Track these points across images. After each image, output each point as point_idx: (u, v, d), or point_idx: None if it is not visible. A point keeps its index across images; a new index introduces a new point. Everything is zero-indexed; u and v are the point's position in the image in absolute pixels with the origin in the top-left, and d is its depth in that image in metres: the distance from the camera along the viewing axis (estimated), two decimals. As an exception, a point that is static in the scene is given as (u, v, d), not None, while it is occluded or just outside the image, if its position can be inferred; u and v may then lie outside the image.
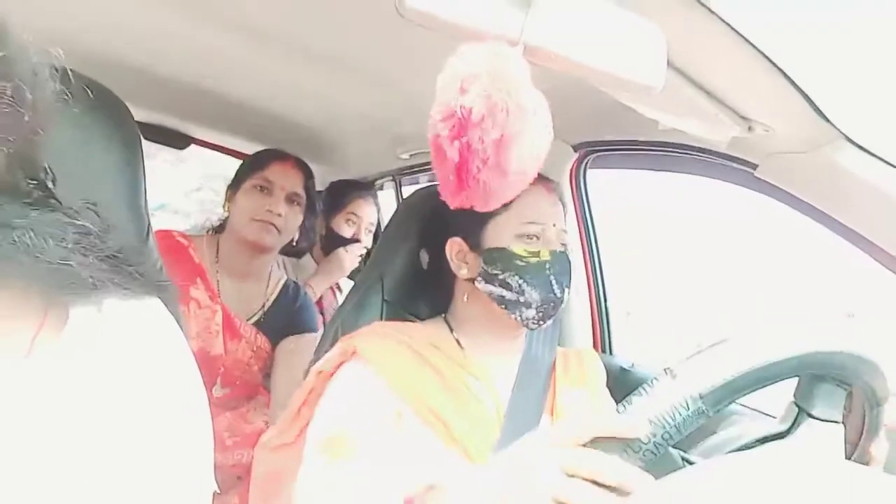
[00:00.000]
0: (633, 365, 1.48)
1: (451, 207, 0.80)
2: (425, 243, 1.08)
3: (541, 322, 0.94)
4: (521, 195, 0.90)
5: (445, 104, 0.63)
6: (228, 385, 1.51)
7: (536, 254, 0.92)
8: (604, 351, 1.58)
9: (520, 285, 0.91)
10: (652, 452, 0.52)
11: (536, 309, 0.92)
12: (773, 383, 0.54)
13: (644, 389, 0.54)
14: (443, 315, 1.03)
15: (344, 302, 1.24)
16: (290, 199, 1.54)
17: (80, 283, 0.46)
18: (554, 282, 0.92)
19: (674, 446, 0.56)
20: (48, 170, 0.48)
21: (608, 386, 1.08)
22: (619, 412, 0.54)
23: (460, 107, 0.61)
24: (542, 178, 0.96)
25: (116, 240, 0.51)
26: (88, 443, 0.45)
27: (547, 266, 0.92)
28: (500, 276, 0.92)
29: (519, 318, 0.93)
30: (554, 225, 0.95)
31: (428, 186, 1.25)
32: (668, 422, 0.51)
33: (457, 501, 0.65)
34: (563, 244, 0.96)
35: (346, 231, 2.03)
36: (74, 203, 0.48)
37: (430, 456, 0.87)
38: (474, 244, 0.96)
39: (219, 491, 0.57)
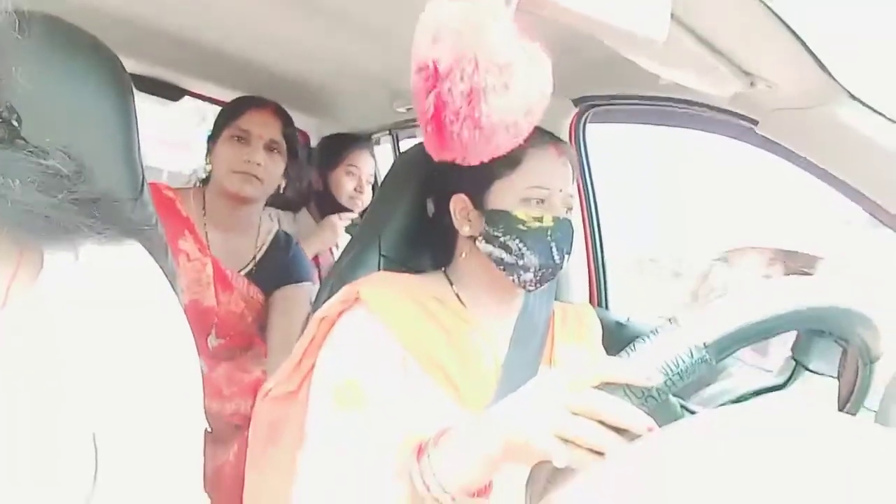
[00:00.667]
0: (628, 319, 1.49)
1: (435, 160, 0.80)
2: (430, 195, 1.08)
3: (538, 285, 0.94)
4: (529, 157, 0.91)
5: (419, 56, 0.63)
6: (223, 335, 1.52)
7: (539, 219, 0.91)
8: (600, 305, 1.59)
9: (520, 249, 0.91)
10: (654, 398, 0.52)
11: (534, 273, 0.92)
12: (773, 335, 0.55)
13: (648, 337, 0.54)
14: (443, 269, 1.03)
15: (340, 256, 1.24)
16: (269, 147, 1.52)
17: (51, 226, 0.45)
18: (554, 248, 0.92)
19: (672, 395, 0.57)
20: (12, 108, 0.47)
21: (604, 340, 1.09)
22: (624, 358, 0.54)
23: (431, 59, 0.61)
24: (552, 139, 0.96)
25: (100, 186, 0.51)
26: (69, 392, 0.45)
27: (549, 232, 0.92)
28: (501, 238, 0.92)
29: (517, 281, 0.94)
30: (560, 190, 0.94)
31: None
32: (671, 369, 0.52)
33: (464, 440, 0.66)
34: (568, 209, 0.95)
35: (348, 183, 2.01)
36: (44, 145, 0.47)
37: (432, 404, 0.88)
38: (479, 203, 0.96)
39: (210, 430, 0.58)
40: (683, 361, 0.52)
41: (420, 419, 0.86)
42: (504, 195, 0.93)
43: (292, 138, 1.58)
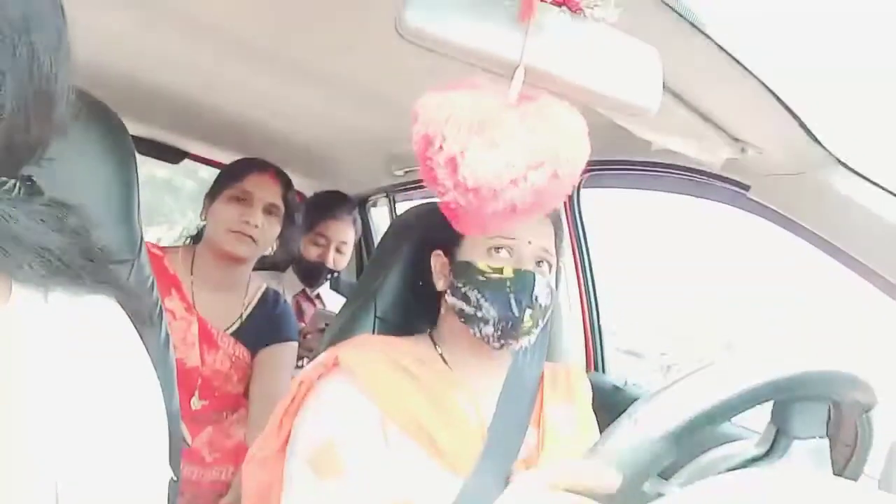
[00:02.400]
0: (625, 383, 1.48)
1: (465, 233, 0.81)
2: (421, 257, 1.09)
3: (501, 341, 0.92)
4: None
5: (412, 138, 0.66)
6: (206, 397, 1.49)
7: (499, 270, 0.91)
8: (596, 369, 1.58)
9: (478, 300, 0.91)
10: (622, 495, 0.51)
11: (494, 326, 0.90)
12: (751, 407, 0.53)
13: (608, 432, 0.53)
14: (428, 331, 1.03)
15: (336, 318, 1.24)
16: (268, 210, 1.53)
17: (57, 269, 0.47)
18: (513, 300, 0.90)
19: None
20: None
21: (600, 404, 1.08)
22: (586, 456, 0.52)
23: (414, 133, 0.64)
24: None
25: (102, 246, 0.52)
26: (33, 435, 0.45)
27: (508, 284, 0.90)
28: (462, 290, 0.92)
29: (478, 334, 0.92)
30: (530, 242, 0.93)
31: (422, 204, 1.26)
32: (630, 465, 0.50)
33: None
34: (539, 262, 0.94)
35: (311, 253, 1.99)
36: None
37: (414, 469, 0.86)
38: (451, 257, 0.97)
39: (175, 479, 0.57)
40: (641, 457, 0.50)
41: (403, 485, 0.85)
42: (472, 247, 0.94)
43: (291, 203, 1.59)
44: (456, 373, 0.97)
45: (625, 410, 0.55)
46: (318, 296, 2.12)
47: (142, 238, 0.80)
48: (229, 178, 1.55)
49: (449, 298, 0.96)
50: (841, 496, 0.47)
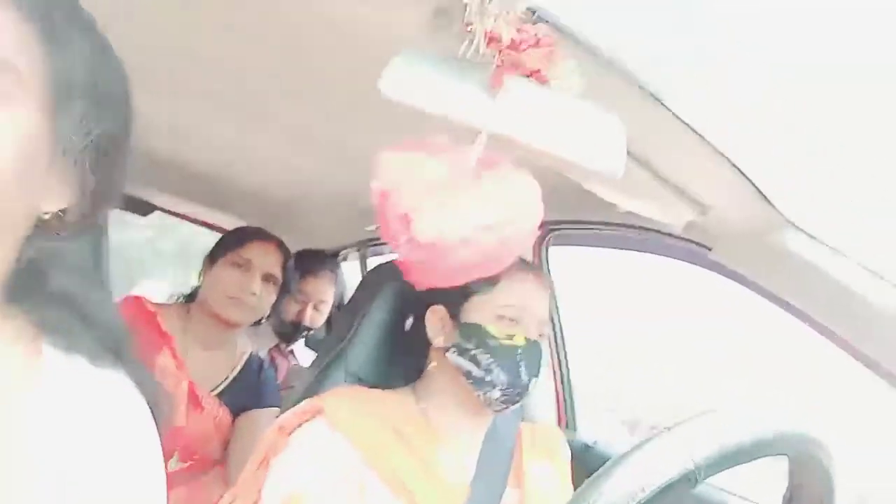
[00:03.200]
0: (595, 442, 1.48)
1: (416, 285, 0.82)
2: (402, 308, 1.09)
3: (504, 405, 0.94)
4: (508, 277, 0.93)
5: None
6: (186, 459, 1.45)
7: (511, 337, 0.93)
8: (567, 427, 1.58)
9: (489, 364, 0.92)
10: None
11: (502, 391, 0.92)
12: (747, 462, 0.54)
13: (577, 494, 0.53)
14: (411, 385, 1.03)
15: (307, 374, 1.23)
16: (267, 278, 1.54)
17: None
18: (523, 368, 0.92)
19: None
20: None
21: (571, 463, 1.08)
22: None
23: (373, 189, 0.68)
24: (533, 269, 1.00)
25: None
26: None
27: (519, 351, 0.93)
28: (472, 351, 0.93)
29: (482, 398, 0.93)
30: (535, 314, 0.96)
31: (394, 258, 1.27)
32: None
33: None
34: (540, 335, 0.97)
35: (290, 311, 1.99)
36: None
37: None
38: (454, 315, 0.97)
39: None
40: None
41: None
42: (480, 310, 0.95)
43: (288, 272, 1.61)
44: (438, 429, 0.97)
45: (595, 470, 0.55)
46: (290, 350, 2.10)
47: (111, 295, 0.80)
48: (231, 243, 1.56)
49: (453, 357, 0.96)
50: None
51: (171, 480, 1.42)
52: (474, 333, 0.94)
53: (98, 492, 0.47)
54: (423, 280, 0.81)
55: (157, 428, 0.54)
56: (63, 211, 0.48)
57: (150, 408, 0.54)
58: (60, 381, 0.48)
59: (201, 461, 1.48)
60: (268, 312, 1.59)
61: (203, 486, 1.48)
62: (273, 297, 1.57)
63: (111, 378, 0.51)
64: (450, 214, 0.66)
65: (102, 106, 0.48)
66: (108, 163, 0.49)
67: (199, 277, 1.59)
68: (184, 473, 1.46)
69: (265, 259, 1.54)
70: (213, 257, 1.56)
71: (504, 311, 0.94)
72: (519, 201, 0.69)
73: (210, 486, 1.48)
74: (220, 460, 1.53)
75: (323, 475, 0.86)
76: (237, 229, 1.65)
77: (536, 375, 0.94)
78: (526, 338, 0.94)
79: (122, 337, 0.53)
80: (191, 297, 1.61)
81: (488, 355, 0.92)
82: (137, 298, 1.51)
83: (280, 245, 1.60)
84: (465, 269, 0.73)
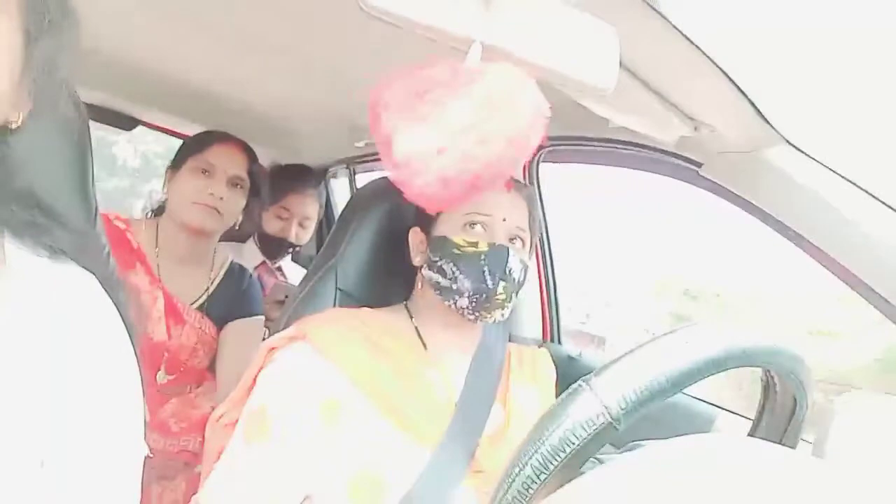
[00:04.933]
0: (580, 354, 1.52)
1: (414, 203, 0.82)
2: (392, 226, 1.09)
3: (475, 312, 0.94)
4: None
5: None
6: (173, 372, 1.48)
7: (475, 244, 0.93)
8: (552, 340, 1.62)
9: (453, 272, 0.93)
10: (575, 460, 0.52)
11: (469, 298, 0.93)
12: (694, 383, 0.55)
13: (563, 398, 0.54)
14: (404, 303, 1.04)
15: (297, 290, 1.24)
16: (233, 182, 1.50)
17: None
18: (487, 272, 0.92)
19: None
20: None
21: (556, 374, 1.11)
22: (541, 420, 0.53)
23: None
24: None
25: (58, 218, 0.53)
26: (16, 396, 0.45)
27: (482, 257, 0.92)
28: (439, 263, 0.94)
29: (453, 306, 0.94)
30: (504, 219, 0.95)
31: (384, 177, 1.26)
32: (584, 431, 0.51)
33: None
34: (513, 238, 0.96)
35: (273, 226, 1.98)
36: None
37: (380, 440, 0.88)
38: (427, 233, 0.98)
39: (150, 455, 0.57)
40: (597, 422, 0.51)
41: (369, 455, 0.87)
42: (448, 223, 0.96)
43: (256, 176, 1.57)
44: (428, 346, 0.98)
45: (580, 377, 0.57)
46: (279, 268, 2.11)
47: (96, 206, 0.79)
48: (193, 149, 1.52)
49: (425, 272, 0.97)
50: (777, 462, 0.50)
51: (161, 393, 1.48)
52: (441, 245, 0.95)
53: (63, 377, 0.48)
54: (420, 201, 0.80)
55: (128, 328, 0.55)
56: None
57: (118, 307, 0.54)
58: (20, 274, 0.48)
59: (188, 373, 1.50)
60: (239, 218, 1.56)
61: (194, 399, 1.51)
62: (242, 202, 1.54)
63: (74, 274, 0.52)
64: (425, 127, 0.64)
65: (55, 15, 0.49)
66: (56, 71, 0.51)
67: (164, 188, 1.55)
68: (172, 386, 1.48)
69: (230, 162, 1.50)
70: (175, 165, 1.52)
71: (468, 219, 0.94)
72: (499, 95, 0.65)
73: (201, 397, 1.51)
74: (209, 372, 1.55)
75: (290, 390, 0.88)
76: (199, 134, 1.59)
77: (504, 279, 0.93)
78: (490, 243, 0.93)
79: (90, 239, 0.54)
80: (159, 212, 1.57)
81: (452, 264, 0.93)
82: (104, 216, 1.47)
83: (245, 147, 1.56)
84: (447, 181, 0.71)
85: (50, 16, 0.48)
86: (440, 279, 0.94)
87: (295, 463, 0.86)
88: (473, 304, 0.93)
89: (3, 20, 0.44)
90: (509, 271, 0.93)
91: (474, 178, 0.71)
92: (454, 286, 0.93)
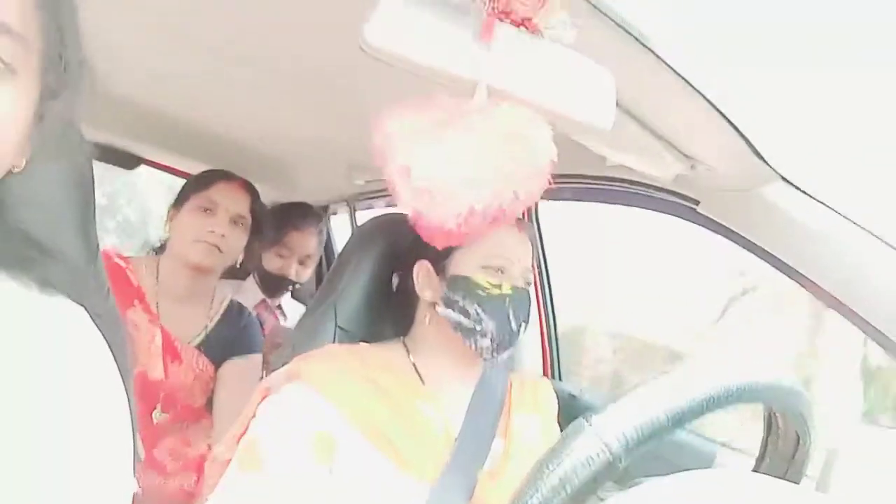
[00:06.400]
0: (581, 391, 1.51)
1: (439, 247, 0.84)
2: (394, 264, 1.09)
3: (494, 353, 0.95)
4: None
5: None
6: (169, 410, 1.46)
7: (498, 286, 0.94)
8: (553, 376, 1.61)
9: (478, 314, 0.93)
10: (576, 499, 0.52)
11: (491, 340, 0.93)
12: (694, 420, 0.55)
13: (564, 436, 0.53)
14: (401, 338, 1.04)
15: (296, 328, 1.24)
16: (235, 220, 1.51)
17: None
18: (511, 316, 0.94)
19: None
20: None
21: (557, 412, 1.10)
22: (541, 459, 0.53)
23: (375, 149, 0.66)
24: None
25: (59, 256, 0.53)
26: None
27: (507, 300, 0.94)
28: (461, 303, 0.94)
29: (474, 347, 0.95)
30: (519, 262, 0.96)
31: (384, 213, 1.27)
32: (585, 469, 0.51)
33: None
34: (526, 282, 0.98)
35: (274, 264, 1.98)
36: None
37: (377, 477, 0.87)
38: (440, 269, 0.98)
39: (139, 491, 0.56)
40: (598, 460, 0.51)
41: (369, 493, 0.86)
42: (465, 262, 0.95)
43: (258, 214, 1.58)
44: (426, 381, 0.98)
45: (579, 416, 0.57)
46: (279, 306, 2.10)
47: (97, 245, 0.79)
48: (195, 187, 1.53)
49: (442, 310, 0.96)
50: (781, 497, 0.49)
51: (158, 432, 1.46)
52: (461, 285, 0.94)
53: (42, 411, 0.47)
54: (436, 235, 0.80)
55: (120, 367, 0.54)
56: None
57: (110, 344, 0.54)
58: (7, 308, 0.48)
59: (185, 412, 1.49)
60: (240, 257, 1.56)
61: (190, 437, 1.49)
62: (243, 240, 1.54)
63: (61, 307, 0.51)
64: (446, 155, 0.65)
65: (73, 71, 0.49)
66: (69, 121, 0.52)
67: (166, 227, 1.55)
68: (168, 424, 1.47)
69: (232, 200, 1.51)
70: (178, 203, 1.52)
71: (489, 262, 0.94)
72: (519, 134, 0.67)
73: (198, 436, 1.49)
74: (205, 410, 1.53)
75: (282, 427, 0.88)
76: (201, 172, 1.60)
77: (526, 322, 0.96)
78: (513, 286, 0.95)
79: (88, 276, 0.54)
80: (160, 250, 1.58)
81: (477, 305, 0.93)
82: (105, 252, 1.47)
83: (247, 185, 1.56)
84: (476, 215, 0.71)
85: (69, 72, 0.48)
86: (462, 319, 0.94)
87: (287, 496, 0.85)
88: (495, 345, 0.94)
89: (22, 78, 0.44)
90: (529, 314, 0.96)
91: (500, 212, 0.72)
92: (478, 327, 0.93)
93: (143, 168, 2.23)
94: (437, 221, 0.71)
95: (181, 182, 1.64)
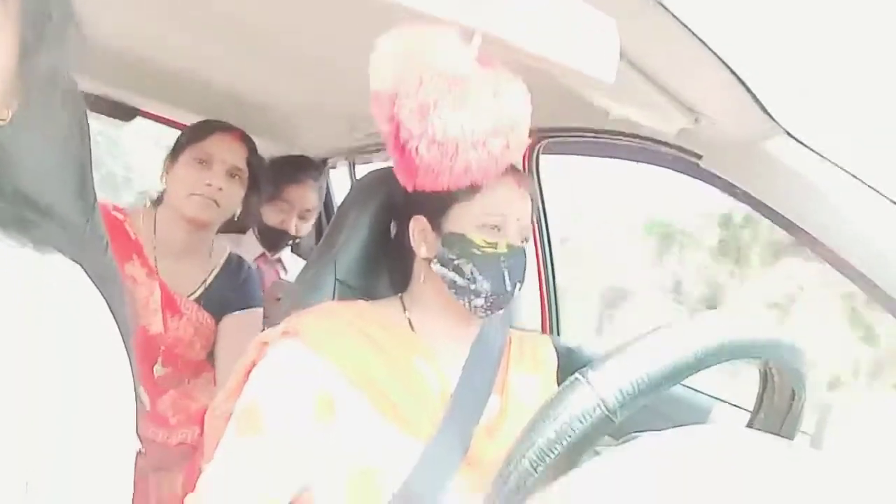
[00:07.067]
0: (579, 346, 1.52)
1: (408, 189, 0.81)
2: (391, 218, 1.09)
3: (488, 312, 0.95)
4: (489, 186, 0.92)
5: (374, 85, 0.65)
6: (170, 364, 1.47)
7: (494, 245, 0.93)
8: (551, 331, 1.62)
9: (472, 273, 0.92)
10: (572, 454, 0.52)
11: (485, 299, 0.93)
12: (691, 375, 0.55)
13: (560, 391, 0.54)
14: (399, 294, 1.04)
15: (296, 281, 1.24)
16: (231, 172, 1.48)
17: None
18: (507, 275, 0.93)
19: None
20: None
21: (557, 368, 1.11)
22: (537, 415, 0.53)
23: (383, 85, 0.63)
24: (513, 170, 0.97)
25: (54, 210, 0.53)
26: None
27: (502, 259, 0.93)
28: (455, 262, 0.93)
29: (467, 305, 0.94)
30: (517, 219, 0.95)
31: (384, 167, 1.25)
32: (581, 423, 0.51)
33: None
34: (523, 239, 0.96)
35: (273, 218, 1.97)
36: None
37: (374, 434, 0.88)
38: (436, 225, 0.96)
39: (143, 450, 0.57)
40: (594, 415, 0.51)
41: (363, 450, 0.87)
42: (461, 219, 0.94)
43: (256, 167, 1.55)
44: (422, 338, 0.98)
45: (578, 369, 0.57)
46: (278, 259, 2.10)
47: (95, 197, 0.79)
48: (191, 139, 1.50)
49: (437, 268, 0.96)
50: (775, 453, 0.50)
51: (159, 385, 1.46)
52: (457, 243, 0.93)
53: (41, 372, 0.47)
54: (424, 182, 0.79)
55: (120, 324, 0.54)
56: None
57: (109, 302, 0.54)
58: (2, 268, 0.48)
59: (185, 365, 1.49)
60: (238, 209, 1.54)
61: (192, 391, 1.50)
62: (241, 192, 1.52)
63: (58, 265, 0.51)
64: (468, 114, 0.64)
65: (57, 24, 0.48)
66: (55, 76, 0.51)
67: (162, 179, 1.53)
68: (170, 378, 1.48)
69: (228, 152, 1.48)
70: (174, 155, 1.50)
71: (486, 219, 0.93)
72: (521, 107, 0.67)
73: (199, 389, 1.50)
74: (207, 363, 1.54)
75: (280, 387, 0.88)
76: (197, 123, 1.56)
77: (521, 281, 0.95)
78: (509, 244, 0.93)
79: (85, 232, 0.53)
80: (157, 203, 1.55)
81: (471, 264, 0.92)
82: (102, 205, 1.46)
83: (244, 137, 1.53)
84: (469, 172, 0.71)
85: (51, 24, 0.47)
86: (456, 278, 0.93)
87: (288, 457, 0.86)
88: (489, 304, 0.94)
89: None
90: (525, 273, 0.95)
91: (485, 175, 0.72)
92: (472, 286, 0.93)
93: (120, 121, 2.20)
94: (432, 172, 0.71)
95: (167, 135, 1.61)
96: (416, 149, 0.66)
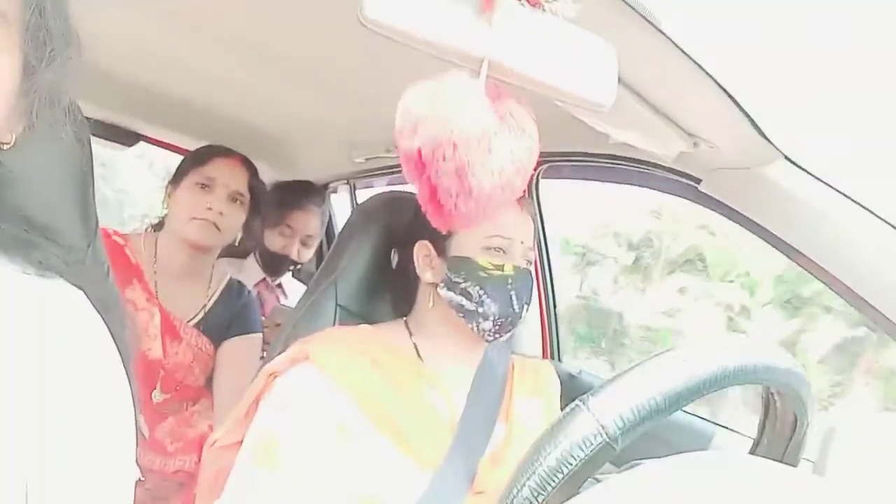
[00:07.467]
0: (580, 372, 1.51)
1: (443, 231, 0.83)
2: (393, 244, 1.09)
3: (497, 335, 0.95)
4: None
5: (403, 146, 0.66)
6: (168, 390, 1.46)
7: (500, 267, 0.93)
8: (552, 358, 1.61)
9: (480, 296, 0.92)
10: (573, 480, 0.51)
11: (493, 321, 0.93)
12: (692, 401, 0.54)
13: (561, 418, 0.53)
14: (404, 319, 1.03)
15: (296, 307, 1.23)
16: (233, 197, 1.49)
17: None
18: (514, 297, 0.93)
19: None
20: None
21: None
22: (538, 441, 0.53)
23: (414, 148, 0.65)
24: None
25: (58, 236, 0.53)
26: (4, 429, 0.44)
27: (509, 281, 0.93)
28: (462, 285, 0.93)
29: (476, 329, 0.94)
30: (521, 242, 0.95)
31: (385, 192, 1.26)
32: (581, 450, 0.51)
33: None
34: (527, 261, 0.97)
35: (276, 244, 1.97)
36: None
37: (381, 462, 0.87)
38: (441, 249, 0.97)
39: (142, 479, 0.56)
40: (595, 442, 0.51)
41: (369, 479, 0.86)
42: (467, 243, 0.94)
43: (257, 191, 1.56)
44: (427, 364, 0.97)
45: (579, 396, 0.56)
46: (279, 284, 2.09)
47: (97, 222, 0.79)
48: (193, 163, 1.50)
49: (443, 292, 0.96)
50: (778, 480, 0.49)
51: (157, 411, 1.45)
52: (463, 266, 0.94)
53: (42, 398, 0.47)
54: (458, 227, 0.80)
55: (121, 350, 0.54)
56: None
57: (110, 327, 0.53)
58: (4, 293, 0.48)
59: (184, 391, 1.49)
60: (239, 234, 1.54)
61: (190, 418, 1.49)
62: (241, 217, 1.52)
63: (60, 290, 0.51)
64: (496, 163, 0.65)
65: (58, 45, 0.49)
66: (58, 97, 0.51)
67: (164, 204, 1.53)
68: (169, 404, 1.47)
69: (230, 176, 1.49)
70: (176, 180, 1.50)
71: (491, 242, 0.93)
72: (534, 138, 0.68)
73: (198, 416, 1.49)
74: (206, 389, 1.53)
75: (299, 419, 0.87)
76: (199, 149, 1.57)
77: (528, 303, 0.95)
78: (515, 266, 0.94)
79: (87, 256, 0.53)
80: (158, 227, 1.56)
81: (479, 287, 0.92)
82: (104, 230, 1.46)
83: (245, 161, 1.54)
84: (498, 209, 0.72)
85: (52, 45, 0.47)
86: (464, 301, 0.93)
87: (306, 490, 0.84)
88: (497, 327, 0.94)
89: (1, 51, 0.44)
90: (531, 295, 0.95)
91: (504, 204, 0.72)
92: (480, 309, 0.93)
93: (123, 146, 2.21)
94: (448, 206, 0.71)
95: (161, 159, 1.62)
96: (455, 205, 0.67)
